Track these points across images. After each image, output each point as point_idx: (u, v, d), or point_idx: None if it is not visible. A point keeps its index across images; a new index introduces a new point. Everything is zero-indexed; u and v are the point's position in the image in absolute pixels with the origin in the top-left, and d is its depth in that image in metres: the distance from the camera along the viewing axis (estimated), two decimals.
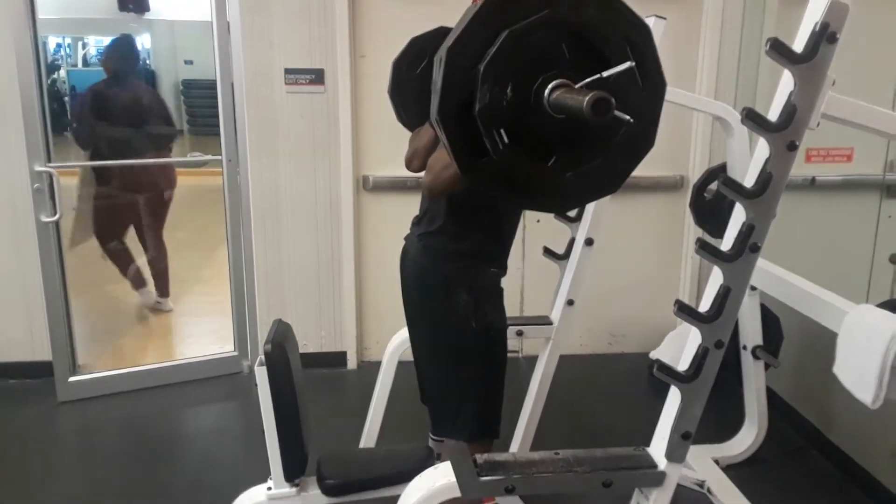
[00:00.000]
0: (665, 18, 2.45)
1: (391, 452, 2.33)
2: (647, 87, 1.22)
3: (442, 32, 2.38)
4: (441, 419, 2.29)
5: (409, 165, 2.41)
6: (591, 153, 1.24)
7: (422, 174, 2.10)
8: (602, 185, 1.35)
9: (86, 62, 11.91)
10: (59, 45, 11.06)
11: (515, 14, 1.14)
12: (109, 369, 3.85)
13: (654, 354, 3.82)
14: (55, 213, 3.52)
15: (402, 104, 2.48)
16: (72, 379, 3.69)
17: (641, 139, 1.27)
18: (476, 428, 2.19)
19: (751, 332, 2.81)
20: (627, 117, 1.15)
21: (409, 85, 2.43)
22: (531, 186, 1.24)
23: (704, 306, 1.62)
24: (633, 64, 1.15)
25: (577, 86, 1.15)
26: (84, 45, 11.79)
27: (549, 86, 1.15)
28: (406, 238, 2.32)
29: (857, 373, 1.76)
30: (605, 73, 1.14)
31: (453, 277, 2.12)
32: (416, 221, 2.31)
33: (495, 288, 2.21)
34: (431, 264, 2.17)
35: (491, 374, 2.20)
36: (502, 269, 2.22)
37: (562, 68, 1.15)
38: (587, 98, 1.05)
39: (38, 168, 3.46)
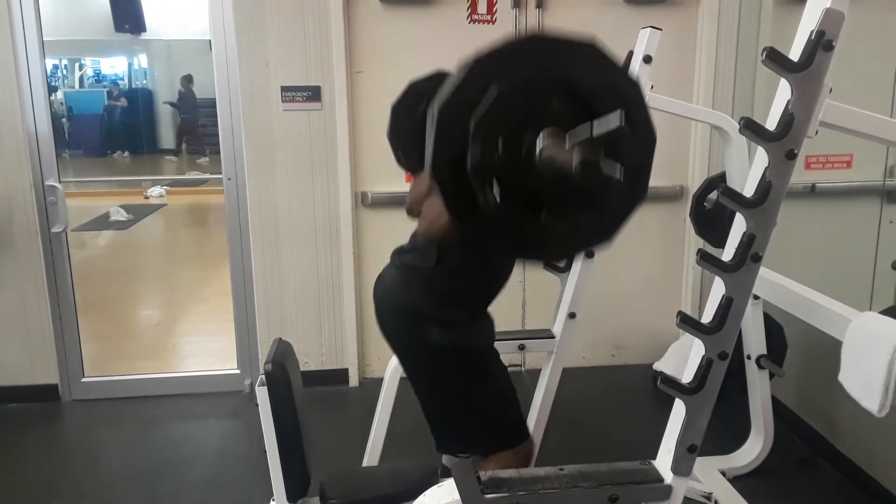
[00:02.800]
0: (661, 29, 2.45)
1: (394, 471, 2.31)
2: (637, 140, 1.22)
3: (439, 77, 2.37)
4: (446, 438, 2.27)
5: (410, 213, 2.41)
6: (583, 206, 1.24)
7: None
8: (595, 237, 1.35)
9: (82, 84, 11.96)
10: (55, 67, 11.12)
11: (506, 71, 1.14)
12: (116, 374, 4.02)
13: (657, 366, 3.81)
14: (62, 225, 3.74)
15: (401, 148, 2.45)
16: (83, 379, 3.91)
17: (633, 190, 1.26)
18: (491, 441, 2.17)
19: (754, 342, 2.79)
20: (618, 174, 1.16)
21: (407, 129, 2.41)
22: (524, 239, 1.25)
23: (707, 317, 1.60)
24: (622, 117, 1.14)
25: (567, 137, 1.15)
26: (81, 67, 11.85)
27: (540, 140, 1.15)
28: (383, 270, 2.30)
29: (862, 381, 1.74)
30: (595, 127, 1.14)
31: (427, 313, 2.11)
32: (399, 251, 2.29)
33: (479, 318, 2.20)
34: (407, 298, 2.15)
35: (490, 391, 2.17)
36: (482, 315, 2.20)
37: (553, 122, 1.15)
38: (575, 159, 1.07)
39: (51, 183, 3.69)
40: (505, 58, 1.15)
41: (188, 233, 8.66)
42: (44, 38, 3.63)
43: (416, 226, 2.30)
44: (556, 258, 1.34)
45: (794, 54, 1.51)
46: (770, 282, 2.25)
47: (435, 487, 1.76)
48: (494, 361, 2.21)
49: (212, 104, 3.76)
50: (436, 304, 2.12)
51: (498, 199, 1.16)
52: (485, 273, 2.15)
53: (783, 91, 1.54)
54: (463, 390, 2.15)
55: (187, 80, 10.93)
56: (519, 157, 1.15)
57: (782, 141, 1.50)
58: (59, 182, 3.69)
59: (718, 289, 1.60)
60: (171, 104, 11.28)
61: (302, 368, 2.21)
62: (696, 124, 3.94)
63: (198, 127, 10.98)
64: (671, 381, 1.60)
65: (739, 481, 2.85)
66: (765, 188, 1.52)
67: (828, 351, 1.93)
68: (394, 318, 2.21)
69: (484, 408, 2.17)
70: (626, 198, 1.24)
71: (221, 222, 3.95)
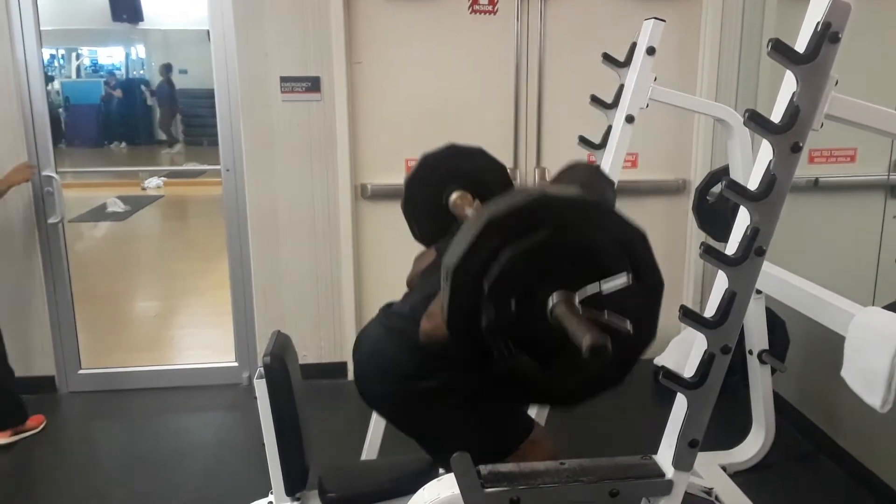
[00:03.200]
0: (664, 21, 2.43)
1: (393, 464, 2.30)
2: (644, 289, 1.25)
3: (452, 151, 2.45)
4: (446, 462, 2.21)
5: (408, 285, 2.42)
6: None
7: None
8: (605, 384, 1.41)
9: (79, 73, 11.90)
10: (52, 57, 11.07)
11: (516, 231, 1.18)
12: (112, 366, 4.02)
13: (658, 360, 3.80)
14: (59, 216, 3.71)
15: (415, 220, 2.51)
16: (80, 372, 3.92)
17: (640, 335, 1.29)
18: (504, 450, 2.12)
19: (756, 337, 2.78)
20: (626, 327, 1.19)
21: (421, 202, 2.47)
22: (536, 387, 1.30)
23: (710, 311, 1.59)
24: (629, 279, 1.19)
25: (576, 298, 1.18)
26: (78, 57, 11.80)
27: (551, 301, 1.19)
28: (368, 325, 2.25)
29: (865, 376, 1.73)
30: (604, 289, 1.19)
31: (424, 378, 2.03)
32: (390, 311, 2.23)
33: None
34: (402, 368, 2.07)
35: (480, 416, 2.08)
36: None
37: (562, 278, 1.19)
38: (585, 341, 1.08)
39: (48, 173, 3.67)
40: (514, 220, 1.19)
41: (185, 224, 8.63)
42: (41, 28, 3.60)
43: (411, 291, 2.32)
44: (568, 406, 1.38)
45: (800, 46, 1.49)
46: (773, 276, 2.24)
47: (435, 481, 1.75)
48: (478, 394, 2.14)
49: (195, 94, 3.75)
50: (433, 372, 2.04)
51: (512, 353, 1.22)
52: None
53: (788, 83, 1.52)
54: (458, 429, 2.06)
55: (166, 69, 10.92)
56: (531, 316, 1.19)
57: (787, 133, 1.48)
58: (56, 172, 3.67)
59: (721, 283, 1.58)
60: (151, 92, 11.26)
61: (300, 362, 2.19)
62: (699, 117, 3.92)
63: (177, 117, 11.07)
64: (673, 376, 1.59)
65: (740, 476, 2.84)
66: (769, 181, 1.50)
67: (829, 346, 1.92)
68: (383, 383, 2.12)
69: (481, 436, 2.09)
70: (634, 341, 1.27)
71: (219, 214, 3.92)
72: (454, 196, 2.41)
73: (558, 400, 1.38)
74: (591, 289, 1.18)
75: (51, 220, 3.69)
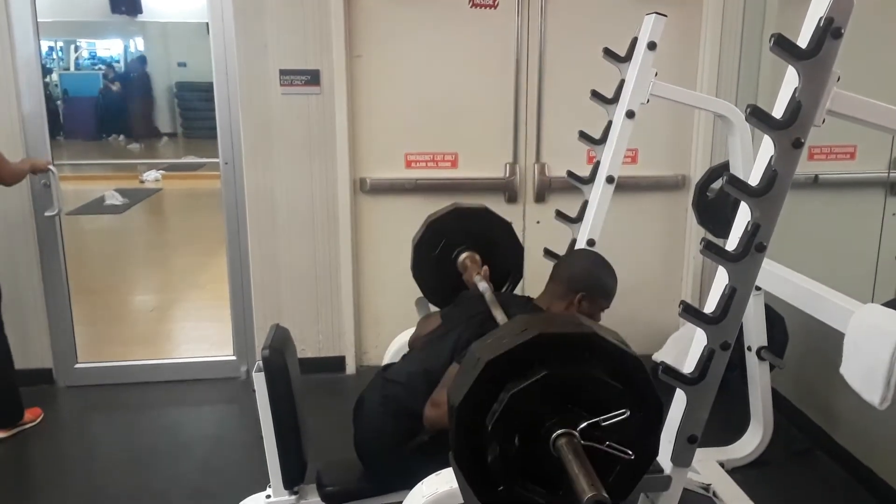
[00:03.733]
0: (665, 15, 2.42)
1: None
2: (643, 413, 1.27)
3: (457, 213, 2.62)
4: None
5: (411, 347, 2.46)
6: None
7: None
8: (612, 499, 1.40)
9: (78, 66, 11.85)
10: (50, 49, 11.02)
11: (514, 372, 1.21)
12: (109, 360, 3.99)
13: (656, 356, 3.79)
14: (56, 209, 3.65)
15: (424, 282, 2.66)
16: (77, 366, 3.88)
17: (642, 454, 1.30)
18: None
19: (755, 333, 2.78)
20: (629, 453, 1.23)
21: (429, 265, 2.62)
22: None
23: (710, 307, 1.59)
24: (627, 413, 1.22)
25: (577, 432, 1.20)
26: (77, 49, 11.75)
27: (553, 436, 1.21)
28: (367, 389, 2.26)
29: (864, 373, 1.73)
30: (604, 424, 1.22)
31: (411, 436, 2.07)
32: (386, 377, 2.24)
33: None
34: (396, 438, 2.09)
35: None
36: None
37: (563, 412, 1.22)
38: (586, 496, 1.10)
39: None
40: (512, 361, 1.21)
41: (184, 217, 8.60)
42: (38, 20, 3.58)
43: (410, 352, 2.38)
44: None
45: (803, 41, 1.48)
46: (772, 273, 2.24)
47: (433, 476, 1.75)
48: None
49: (194, 87, 3.74)
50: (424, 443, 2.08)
51: (518, 482, 1.25)
52: None
53: (790, 79, 1.52)
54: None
55: (140, 61, 10.91)
56: (535, 449, 1.23)
57: (789, 129, 1.48)
58: (53, 165, 3.60)
59: (722, 279, 1.58)
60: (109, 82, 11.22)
61: (299, 356, 2.19)
62: (699, 113, 3.92)
63: (151, 110, 11.09)
64: (672, 371, 1.59)
65: (738, 473, 2.84)
66: (770, 177, 1.50)
67: (828, 343, 1.92)
68: (378, 451, 2.14)
69: None
70: (637, 464, 1.29)
71: (218, 207, 3.91)
72: (462, 257, 2.57)
73: None
74: (591, 422, 1.22)
75: (47, 213, 3.65)
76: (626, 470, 1.28)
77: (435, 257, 2.59)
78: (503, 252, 2.66)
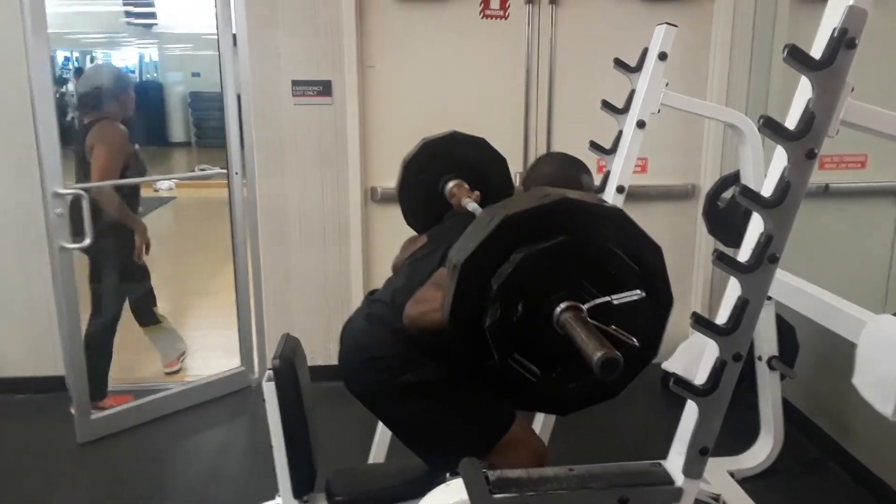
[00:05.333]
0: (676, 26, 2.42)
1: (401, 468, 2.29)
2: (653, 305, 1.24)
3: (453, 139, 2.42)
4: (439, 462, 2.20)
5: (393, 270, 2.41)
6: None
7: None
8: (603, 394, 1.40)
9: None
10: (66, 59, 11.12)
11: (532, 234, 1.15)
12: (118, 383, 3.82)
13: (666, 365, 3.78)
14: (86, 238, 3.21)
15: (409, 205, 2.49)
16: (94, 417, 3.46)
17: (644, 350, 1.27)
18: (481, 447, 2.12)
19: (766, 343, 2.76)
20: (634, 341, 1.18)
21: (416, 187, 2.44)
22: (534, 393, 1.27)
23: (722, 318, 1.58)
24: (642, 294, 1.18)
25: (585, 307, 1.15)
26: (93, 59, 11.87)
27: (558, 308, 1.16)
28: (353, 316, 2.26)
29: (877, 384, 1.72)
30: (615, 301, 1.17)
31: (398, 367, 2.07)
32: (371, 298, 2.25)
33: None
34: (378, 354, 2.11)
35: (459, 410, 2.11)
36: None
37: (572, 286, 1.17)
38: (597, 356, 1.05)
39: (59, 190, 3.17)
40: (533, 221, 1.16)
41: (197, 225, 8.65)
42: (55, 31, 3.53)
43: (394, 275, 2.33)
44: (563, 413, 1.36)
45: (816, 52, 1.48)
46: (783, 283, 2.23)
47: (443, 486, 1.74)
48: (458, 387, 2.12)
49: (208, 97, 3.70)
50: (406, 354, 2.07)
51: (512, 355, 1.19)
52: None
53: (804, 89, 1.51)
54: (438, 424, 2.10)
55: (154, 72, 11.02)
56: (536, 320, 1.17)
57: (803, 140, 1.47)
58: (65, 188, 3.18)
59: (734, 290, 1.57)
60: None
61: (309, 364, 2.19)
62: (709, 122, 3.91)
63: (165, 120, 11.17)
64: (684, 383, 1.58)
65: (748, 483, 2.82)
66: (783, 188, 1.49)
67: (839, 353, 1.91)
68: (362, 370, 2.15)
69: (461, 430, 2.11)
70: (637, 356, 1.25)
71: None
72: (451, 184, 2.37)
73: (552, 406, 1.38)
74: (601, 300, 1.16)
75: (62, 245, 3.19)
76: (626, 361, 1.20)
77: (424, 180, 2.42)
78: (495, 188, 2.43)
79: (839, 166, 3.55)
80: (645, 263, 1.20)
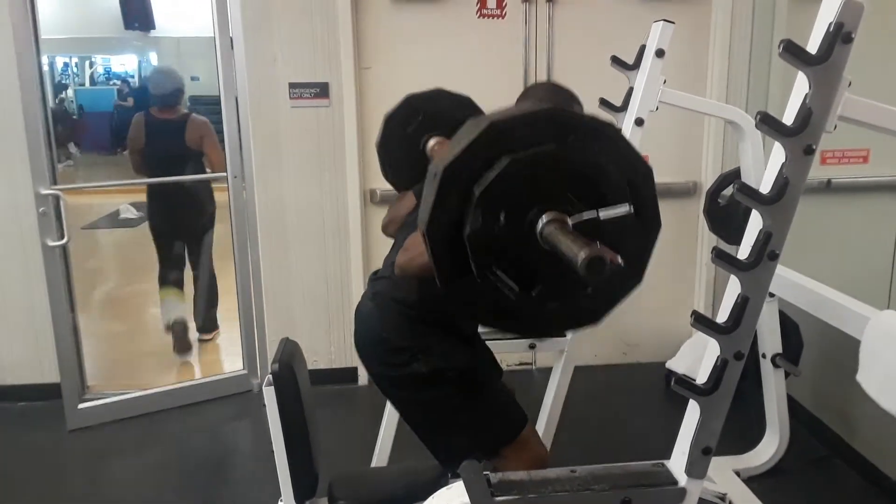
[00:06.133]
0: (673, 23, 2.42)
1: (403, 471, 2.28)
2: (641, 226, 1.20)
3: (438, 95, 2.35)
4: (442, 454, 2.19)
5: (384, 230, 2.40)
6: (578, 287, 1.21)
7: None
8: (585, 317, 1.33)
9: (93, 81, 11.97)
10: (66, 65, 11.13)
11: (520, 141, 1.11)
12: (118, 391, 3.78)
13: (670, 364, 3.77)
14: (62, 237, 3.44)
15: (389, 161, 2.41)
16: (81, 406, 3.60)
17: (630, 276, 1.24)
18: (487, 447, 2.13)
19: (770, 340, 2.75)
20: (620, 261, 1.14)
21: (398, 143, 2.36)
22: (512, 312, 1.22)
23: (722, 317, 1.57)
24: (631, 209, 1.14)
25: (570, 220, 1.11)
26: (92, 65, 11.87)
27: (543, 219, 1.12)
28: (361, 300, 2.27)
29: (881, 381, 1.71)
30: (602, 215, 1.13)
31: (407, 346, 2.08)
32: (376, 278, 2.26)
33: (466, 337, 2.17)
34: (386, 332, 2.12)
35: (472, 408, 2.13)
36: (467, 339, 2.18)
37: (558, 199, 1.12)
38: (581, 254, 1.02)
39: (44, 191, 3.40)
40: (522, 127, 1.11)
41: None
42: (54, 36, 3.55)
43: (390, 250, 2.31)
44: (543, 336, 1.32)
45: (813, 47, 1.47)
46: (787, 280, 2.21)
47: (444, 489, 1.73)
48: (476, 376, 2.16)
49: (206, 101, 3.74)
50: (414, 336, 2.08)
51: (492, 268, 1.14)
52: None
53: (801, 85, 1.50)
54: (448, 415, 2.12)
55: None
56: (520, 229, 1.12)
57: (800, 136, 1.46)
58: (52, 188, 3.40)
59: (734, 288, 1.56)
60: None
61: (310, 367, 2.19)
62: (709, 119, 3.90)
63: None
64: (685, 382, 1.57)
65: (754, 481, 2.81)
66: (782, 184, 1.48)
67: (844, 349, 1.90)
68: (374, 354, 2.17)
69: (472, 424, 2.13)
70: (622, 281, 1.22)
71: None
72: (433, 142, 2.29)
73: (530, 327, 1.30)
74: (587, 215, 1.12)
75: (50, 243, 3.41)
76: (611, 286, 1.21)
77: (405, 136, 2.32)
78: None
79: (841, 161, 3.53)
80: (635, 184, 1.16)
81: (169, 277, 4.49)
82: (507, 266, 1.15)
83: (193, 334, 4.53)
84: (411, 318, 2.10)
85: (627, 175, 1.16)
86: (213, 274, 4.50)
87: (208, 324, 4.54)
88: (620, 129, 1.17)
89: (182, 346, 4.47)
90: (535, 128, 1.12)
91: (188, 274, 4.51)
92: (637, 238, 1.19)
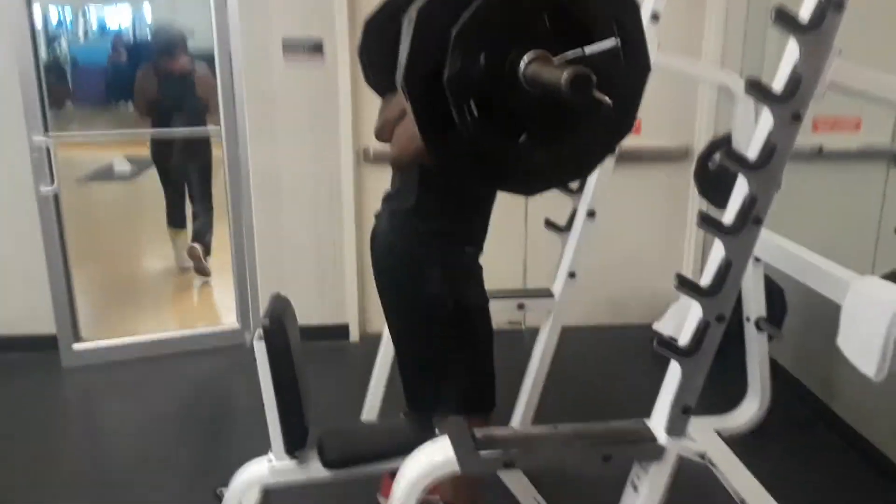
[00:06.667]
0: None
1: (392, 426, 2.33)
2: (629, 68, 1.16)
3: None
4: (420, 396, 2.24)
5: (378, 136, 2.34)
6: (565, 133, 1.19)
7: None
8: (573, 168, 1.31)
9: (87, 35, 11.79)
10: (61, 19, 10.95)
11: None
12: (114, 337, 3.89)
13: (657, 326, 3.81)
14: (52, 183, 3.55)
15: (371, 66, 2.34)
16: (76, 346, 3.77)
17: (619, 122, 1.21)
18: (462, 404, 2.15)
19: (754, 304, 2.78)
20: (607, 99, 1.08)
21: (380, 46, 2.23)
22: (499, 164, 1.19)
23: (705, 280, 1.59)
24: (618, 42, 1.09)
25: (555, 60, 1.08)
26: (86, 17, 11.68)
27: (525, 57, 1.08)
28: (376, 215, 2.27)
29: (860, 345, 1.74)
30: (587, 50, 1.08)
31: (426, 259, 2.07)
32: (387, 197, 2.26)
33: (471, 266, 2.17)
34: (403, 245, 2.11)
35: (473, 351, 2.16)
36: (478, 248, 2.18)
37: (541, 39, 1.08)
38: (565, 73, 0.99)
39: (37, 138, 3.50)
40: None
41: None
42: None
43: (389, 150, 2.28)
44: (532, 190, 1.25)
45: (804, 14, 1.47)
46: (771, 244, 2.24)
47: (429, 443, 1.77)
48: (484, 321, 2.18)
49: (201, 57, 3.79)
50: (427, 246, 2.08)
51: (475, 117, 1.10)
52: (467, 207, 2.12)
53: (791, 51, 1.51)
54: (448, 348, 2.13)
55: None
56: (502, 71, 1.08)
57: (789, 102, 1.47)
58: (45, 135, 3.49)
59: (718, 251, 1.58)
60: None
61: (303, 323, 2.21)
62: (704, 84, 3.88)
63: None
64: (667, 344, 1.60)
65: (735, 442, 2.86)
66: (768, 150, 1.49)
67: (828, 315, 1.93)
68: (388, 266, 2.17)
69: (465, 368, 2.15)
70: (611, 129, 1.19)
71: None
72: None
73: (517, 181, 1.25)
74: (571, 54, 1.07)
75: (42, 189, 3.54)
76: (602, 132, 1.19)
77: (387, 39, 2.24)
78: None
79: (833, 128, 3.53)
80: (621, 20, 1.11)
81: (175, 218, 5.15)
82: (492, 113, 1.10)
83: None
84: (420, 228, 2.09)
85: (612, 9, 1.12)
86: (210, 205, 5.00)
87: (203, 249, 5.02)
88: None
89: (201, 266, 4.99)
90: None
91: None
92: (626, 78, 1.15)
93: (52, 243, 3.66)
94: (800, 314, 3.17)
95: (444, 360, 2.15)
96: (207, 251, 5.03)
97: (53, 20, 9.26)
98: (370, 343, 3.83)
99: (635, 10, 1.18)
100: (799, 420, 3.20)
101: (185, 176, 5.08)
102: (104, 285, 4.82)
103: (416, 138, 1.15)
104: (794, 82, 1.47)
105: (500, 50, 1.08)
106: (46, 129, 3.52)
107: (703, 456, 2.69)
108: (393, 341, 2.33)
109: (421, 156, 1.76)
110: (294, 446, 2.07)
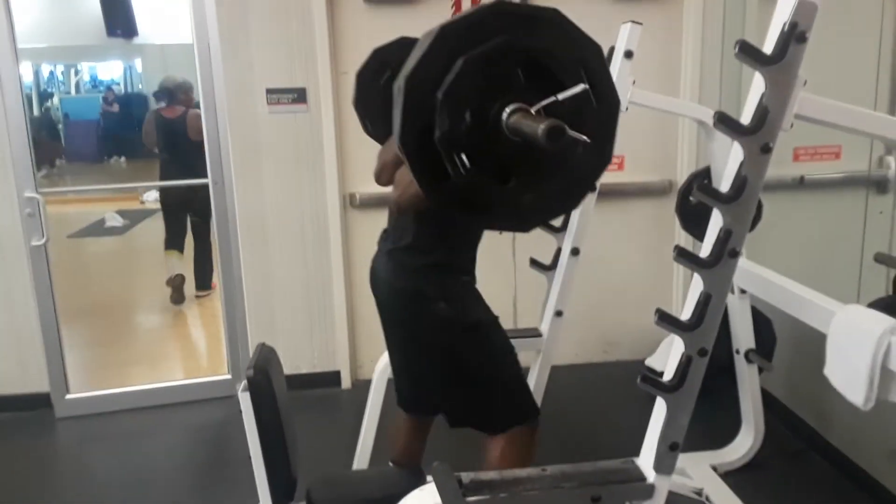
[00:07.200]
0: (641, 24, 2.44)
1: (379, 474, 2.31)
2: (601, 106, 1.24)
3: (403, 43, 2.39)
4: (460, 416, 2.27)
5: (378, 180, 2.45)
6: (549, 174, 1.27)
7: (391, 188, 2.18)
8: (560, 204, 1.39)
9: (78, 89, 11.90)
10: (52, 74, 11.07)
11: (471, 41, 1.16)
12: (105, 388, 3.90)
13: (649, 361, 3.79)
14: (43, 238, 3.62)
15: (367, 116, 2.51)
16: (69, 397, 3.80)
17: (597, 157, 1.28)
18: (509, 415, 2.19)
19: (743, 336, 2.78)
20: (584, 138, 1.17)
21: (373, 96, 2.44)
22: (492, 207, 1.28)
23: (686, 314, 1.60)
24: (587, 87, 1.19)
25: (532, 109, 1.17)
26: (77, 73, 11.81)
27: (506, 111, 1.17)
28: (374, 258, 2.34)
29: (847, 374, 1.74)
30: (560, 96, 1.18)
31: (428, 290, 2.16)
32: (384, 237, 2.34)
33: (470, 289, 2.25)
34: (405, 282, 2.20)
35: (499, 364, 2.21)
36: (472, 278, 2.28)
37: (518, 92, 1.18)
38: (541, 126, 1.08)
39: (29, 194, 3.58)
40: (470, 28, 1.17)
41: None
42: (37, 46, 3.60)
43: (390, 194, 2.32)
44: (524, 228, 1.36)
45: (768, 47, 1.50)
46: (756, 275, 2.24)
47: (416, 491, 1.75)
48: (499, 333, 2.25)
49: None
50: (427, 279, 2.17)
51: (466, 168, 1.19)
52: (463, 239, 2.23)
53: (757, 84, 1.53)
54: (480, 365, 2.19)
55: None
56: (486, 126, 1.18)
57: (756, 135, 1.49)
58: (37, 192, 3.58)
59: (697, 285, 1.59)
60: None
61: (293, 371, 2.21)
62: (684, 118, 3.93)
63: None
64: (651, 380, 1.60)
65: (731, 476, 2.84)
66: (740, 183, 1.51)
67: (817, 344, 1.92)
68: (395, 304, 2.26)
69: (501, 382, 2.21)
70: (591, 163, 1.27)
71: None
72: None
73: (512, 220, 1.37)
74: (546, 102, 1.17)
75: (33, 243, 3.61)
76: (582, 169, 1.26)
77: (379, 88, 2.38)
78: None
79: (814, 158, 3.56)
80: (588, 65, 1.21)
81: (173, 242, 5.49)
82: (482, 163, 1.20)
83: (189, 290, 5.48)
84: (419, 263, 2.18)
85: (578, 56, 1.21)
86: (209, 242, 4.99)
87: (205, 283, 5.42)
88: (564, 16, 1.23)
89: (178, 297, 5.37)
90: (483, 25, 1.17)
91: (189, 245, 5.45)
92: (599, 117, 1.24)
93: (45, 297, 3.70)
94: (790, 344, 3.16)
95: (481, 378, 2.20)
96: (209, 284, 5.36)
97: (45, 74, 9.36)
98: (362, 389, 3.81)
99: (599, 54, 1.27)
100: (793, 450, 3.17)
101: (185, 208, 5.39)
102: (99, 339, 4.80)
103: (415, 183, 1.24)
104: (762, 115, 1.49)
105: (483, 106, 1.18)
106: (37, 186, 3.60)
107: (699, 493, 2.66)
108: (411, 378, 2.41)
109: (421, 199, 1.81)
110: (281, 498, 2.04)
